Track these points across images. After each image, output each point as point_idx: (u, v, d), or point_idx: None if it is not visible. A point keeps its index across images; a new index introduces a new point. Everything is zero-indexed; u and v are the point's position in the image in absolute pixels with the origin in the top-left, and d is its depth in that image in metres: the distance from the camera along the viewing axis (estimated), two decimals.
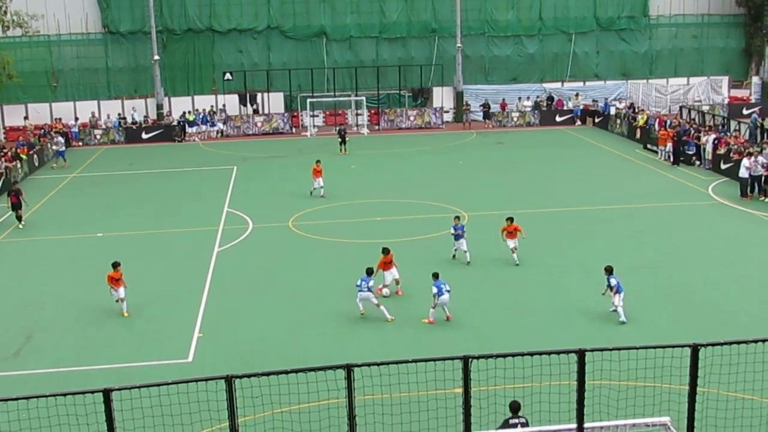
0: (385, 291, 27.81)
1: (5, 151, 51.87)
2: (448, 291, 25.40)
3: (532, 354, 12.37)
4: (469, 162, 51.90)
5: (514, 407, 16.55)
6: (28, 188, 46.61)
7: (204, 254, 33.50)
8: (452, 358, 12.55)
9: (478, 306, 26.92)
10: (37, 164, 53.60)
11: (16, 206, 39.25)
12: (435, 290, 25.25)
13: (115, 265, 27.10)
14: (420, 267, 30.45)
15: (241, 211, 40.45)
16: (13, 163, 49.50)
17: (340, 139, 56.04)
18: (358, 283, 25.94)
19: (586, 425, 12.60)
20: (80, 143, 63.67)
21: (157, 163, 55.06)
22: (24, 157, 51.49)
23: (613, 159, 51.76)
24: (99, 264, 32.76)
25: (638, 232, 35.15)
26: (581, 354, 12.24)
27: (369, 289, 25.74)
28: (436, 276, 25.66)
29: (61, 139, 56.09)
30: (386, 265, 27.85)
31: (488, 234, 35.00)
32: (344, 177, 47.25)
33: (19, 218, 39.18)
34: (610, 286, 25.50)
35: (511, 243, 30.79)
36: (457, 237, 31.16)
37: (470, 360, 12.26)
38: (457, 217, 32.19)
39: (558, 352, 12.37)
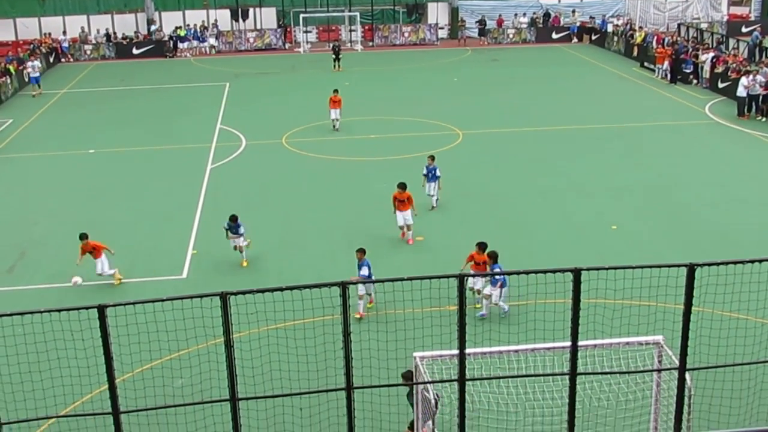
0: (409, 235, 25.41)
1: None
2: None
3: (527, 272, 12.31)
4: (464, 79, 51.44)
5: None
6: (18, 104, 46.26)
7: (197, 171, 33.31)
8: (447, 276, 12.50)
9: (472, 226, 26.88)
10: (27, 80, 52.92)
11: None
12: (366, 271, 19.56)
13: (82, 237, 23.37)
14: (414, 186, 30.35)
15: (234, 127, 40.14)
16: (3, 79, 48.87)
17: (334, 56, 55.39)
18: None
19: (580, 343, 12.62)
20: (71, 59, 62.83)
21: (148, 80, 54.46)
22: (14, 72, 50.79)
23: (609, 77, 51.32)
24: (91, 181, 32.67)
25: (634, 151, 35.00)
26: (576, 273, 12.20)
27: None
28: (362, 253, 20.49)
29: (36, 64, 51.60)
30: (400, 204, 25.23)
31: (482, 153, 34.90)
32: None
33: None
34: (494, 280, 19.05)
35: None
36: (430, 179, 28.05)
37: (465, 278, 12.21)
38: (431, 157, 28.66)
39: (553, 271, 12.32)
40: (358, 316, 19.61)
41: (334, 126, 38.86)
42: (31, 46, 59.75)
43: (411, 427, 14.87)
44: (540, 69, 54.52)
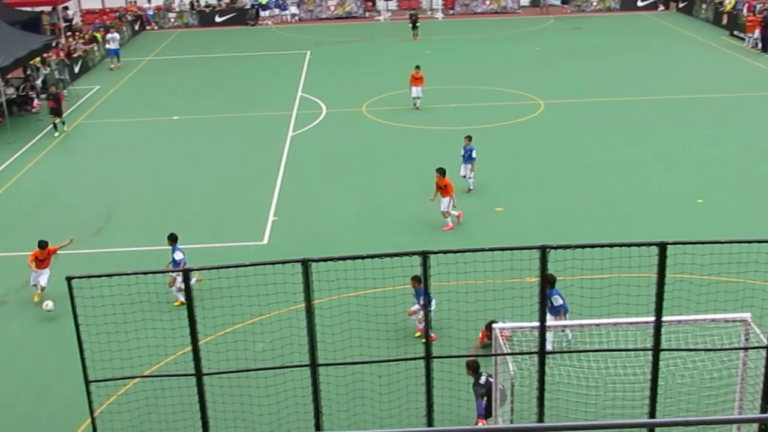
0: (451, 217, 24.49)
1: (83, 34, 52.21)
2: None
3: (611, 245, 12.12)
4: (546, 49, 50.68)
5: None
6: (105, 71, 47.16)
7: (278, 138, 33.55)
8: (529, 248, 12.38)
9: (553, 197, 26.59)
10: (121, 41, 53.77)
11: (55, 112, 35.37)
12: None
13: (42, 245, 21.11)
14: (495, 155, 30.17)
15: (315, 95, 40.28)
16: (90, 46, 49.78)
17: (411, 24, 55.07)
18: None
19: (664, 318, 12.42)
20: (155, 26, 63.69)
21: (230, 47, 54.92)
22: (100, 39, 51.68)
23: (696, 46, 50.01)
24: (175, 146, 33.20)
25: (722, 122, 34.10)
26: (662, 247, 11.97)
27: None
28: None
29: (116, 36, 50.33)
30: (441, 190, 24.35)
31: (564, 123, 34.44)
32: (418, 63, 46.53)
33: (56, 126, 35.37)
34: (553, 306, 16.96)
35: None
36: (466, 159, 26.96)
37: (548, 250, 12.08)
38: (468, 137, 27.38)
39: (638, 245, 12.10)
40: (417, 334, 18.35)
41: (414, 104, 36.83)
42: (117, 14, 60.70)
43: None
44: (624, 38, 53.41)
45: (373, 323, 15.37)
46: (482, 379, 14.41)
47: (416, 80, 36.57)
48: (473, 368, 14.61)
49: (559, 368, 15.27)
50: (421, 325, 18.80)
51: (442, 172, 24.24)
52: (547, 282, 15.53)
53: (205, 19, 64.03)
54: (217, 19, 64.02)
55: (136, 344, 14.33)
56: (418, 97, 36.75)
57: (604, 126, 33.97)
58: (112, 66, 48.71)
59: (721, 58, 46.71)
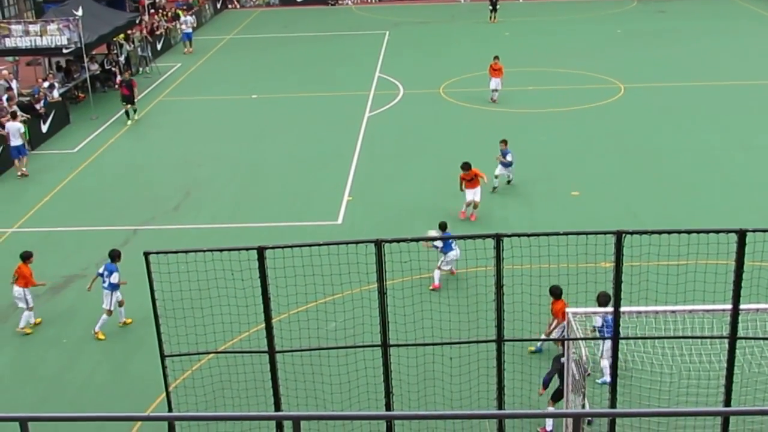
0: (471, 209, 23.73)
1: (166, 11, 53.00)
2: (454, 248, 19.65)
3: (689, 232, 11.93)
4: (628, 31, 49.80)
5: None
6: (194, 43, 47.76)
7: (355, 119, 33.67)
8: (605, 233, 12.25)
9: (631, 181, 26.21)
10: (195, 25, 54.51)
11: (128, 99, 34.57)
12: (440, 244, 19.43)
13: (26, 257, 19.28)
14: (573, 139, 29.90)
15: (393, 76, 40.28)
16: (173, 23, 50.52)
17: (491, 6, 54.61)
18: (437, 244, 19.54)
19: (741, 306, 12.20)
20: (237, 5, 64.33)
21: (310, 27, 55.21)
22: (183, 17, 52.38)
23: None
24: (253, 125, 33.57)
25: None
26: (741, 234, 11.75)
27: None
28: (443, 227, 20.20)
29: (189, 19, 49.65)
30: (468, 183, 23.62)
31: (645, 107, 33.87)
32: (497, 45, 46.19)
33: (128, 113, 34.70)
34: (595, 327, 16.15)
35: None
36: (504, 164, 25.41)
37: (623, 235, 11.94)
38: (504, 141, 25.63)
39: (716, 231, 11.90)
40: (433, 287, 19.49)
41: (492, 98, 34.95)
42: None
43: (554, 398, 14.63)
44: (709, 21, 52.20)
45: (445, 305, 15.40)
46: (563, 358, 14.32)
47: (495, 71, 34.86)
48: (561, 342, 14.52)
49: (633, 354, 15.12)
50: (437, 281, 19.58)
51: (467, 167, 23.44)
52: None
53: None
54: None
55: (210, 320, 14.60)
56: (497, 90, 34.92)
57: (684, 111, 33.31)
58: (186, 51, 48.13)
59: None
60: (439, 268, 19.58)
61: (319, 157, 29.49)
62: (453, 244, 19.35)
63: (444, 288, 16.19)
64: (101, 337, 18.52)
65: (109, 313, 18.63)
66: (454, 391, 15.02)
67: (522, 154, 26.58)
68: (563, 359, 14.22)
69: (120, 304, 18.82)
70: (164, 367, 12.79)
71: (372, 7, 62.38)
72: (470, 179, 23.52)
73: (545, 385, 14.58)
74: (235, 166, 28.83)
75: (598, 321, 15.98)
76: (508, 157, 25.24)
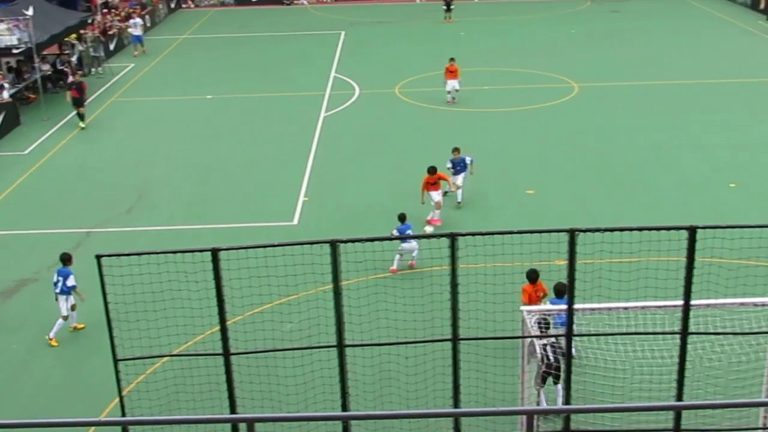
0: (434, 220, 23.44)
1: (119, 11, 52.49)
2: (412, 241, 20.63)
3: (641, 229, 12.08)
4: (582, 31, 50.23)
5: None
6: (143, 46, 47.26)
7: (310, 119, 33.60)
8: (558, 231, 12.36)
9: (585, 179, 26.46)
10: (149, 25, 54.06)
11: (78, 102, 33.74)
12: (395, 234, 20.53)
13: None
14: (528, 138, 30.12)
15: (348, 76, 40.26)
16: (126, 23, 50.01)
17: (445, 6, 54.77)
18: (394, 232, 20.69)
19: (692, 302, 12.35)
20: (191, 4, 63.89)
21: (265, 27, 54.99)
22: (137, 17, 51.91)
23: (734, 31, 49.31)
24: (209, 126, 33.38)
25: (756, 107, 33.67)
26: (692, 231, 11.90)
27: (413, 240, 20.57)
28: (402, 219, 21.01)
29: (138, 21, 48.16)
30: (432, 186, 23.55)
31: (598, 106, 34.19)
32: (453, 45, 46.36)
33: (81, 116, 33.70)
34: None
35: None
36: (458, 171, 24.79)
37: (576, 233, 12.04)
38: (457, 149, 24.99)
39: (668, 228, 12.04)
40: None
41: (450, 99, 34.73)
42: None
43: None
44: (661, 21, 52.80)
45: (400, 304, 15.39)
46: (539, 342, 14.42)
47: (451, 73, 34.68)
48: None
49: (586, 351, 15.25)
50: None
51: (433, 170, 23.41)
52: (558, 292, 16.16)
53: None
54: None
55: (164, 323, 14.48)
56: (456, 90, 34.70)
57: (637, 110, 33.68)
58: (136, 53, 46.88)
59: (758, 42, 46.01)
60: (399, 254, 20.61)
61: (275, 157, 29.39)
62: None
63: (399, 287, 16.22)
64: (54, 344, 18.28)
65: (65, 318, 18.41)
66: (410, 390, 15.05)
67: (477, 154, 26.67)
68: (538, 343, 14.31)
69: (72, 308, 18.60)
70: (117, 372, 12.67)
71: (328, 7, 62.28)
72: (434, 182, 23.43)
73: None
74: (189, 167, 28.64)
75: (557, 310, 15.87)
76: (466, 161, 24.76)
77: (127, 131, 33.40)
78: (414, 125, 32.57)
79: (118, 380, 12.73)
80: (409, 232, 20.60)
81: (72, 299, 18.44)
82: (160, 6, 57.58)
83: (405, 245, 20.51)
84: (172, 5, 61.32)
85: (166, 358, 15.70)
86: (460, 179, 24.60)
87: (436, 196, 23.46)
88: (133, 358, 13.10)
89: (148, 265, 13.26)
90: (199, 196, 26.17)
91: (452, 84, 34.72)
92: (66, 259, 18.67)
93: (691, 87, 36.69)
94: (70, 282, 18.29)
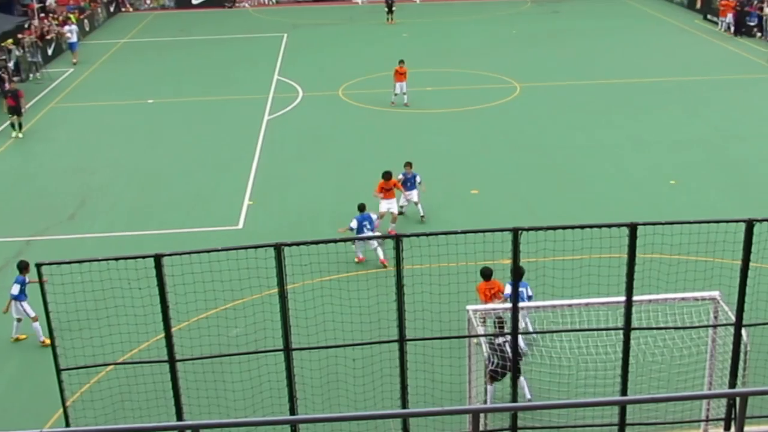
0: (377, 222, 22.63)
1: (56, 15, 51.73)
2: (371, 231, 21.49)
3: (582, 227, 12.20)
4: (523, 32, 50.70)
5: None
6: (80, 53, 46.61)
7: (254, 122, 33.44)
8: (502, 230, 12.44)
9: (528, 178, 26.71)
10: (88, 29, 53.38)
11: (14, 110, 32.71)
12: (354, 224, 21.31)
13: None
14: (471, 138, 30.31)
15: (291, 79, 40.15)
16: (65, 28, 49.31)
17: (387, 8, 54.91)
18: (353, 226, 21.41)
19: (635, 298, 12.52)
20: (130, 8, 63.22)
21: (206, 30, 54.59)
22: (75, 20, 51.21)
23: (671, 30, 50.17)
24: (150, 130, 33.03)
25: (694, 105, 34.30)
26: (633, 228, 12.07)
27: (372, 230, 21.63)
28: (361, 208, 21.79)
29: (74, 28, 46.84)
30: (385, 192, 23.17)
31: (540, 106, 34.53)
32: (395, 46, 46.50)
33: (16, 126, 32.83)
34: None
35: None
36: (409, 187, 24.04)
37: (520, 232, 12.13)
38: (409, 164, 24.12)
39: (609, 226, 12.19)
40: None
41: (402, 101, 34.67)
42: None
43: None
44: (601, 21, 53.51)
45: (347, 307, 15.37)
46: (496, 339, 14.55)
47: (400, 75, 34.52)
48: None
49: (532, 348, 15.40)
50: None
51: (388, 176, 23.10)
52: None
53: (182, 1, 63.57)
54: (194, 2, 63.60)
55: (108, 331, 14.31)
56: (404, 93, 34.60)
57: (578, 109, 34.09)
58: (75, 60, 45.44)
59: (695, 41, 46.89)
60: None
61: (219, 161, 29.20)
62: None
63: (346, 290, 16.18)
64: (47, 342, 17.48)
65: (35, 318, 17.92)
66: (358, 392, 15.06)
67: (422, 155, 26.81)
68: (497, 341, 14.40)
69: (18, 320, 18.26)
70: (61, 382, 12.46)
71: (269, 9, 62.06)
72: (389, 189, 23.06)
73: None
74: (131, 173, 28.33)
75: (508, 288, 16.47)
76: (417, 179, 23.98)
77: (66, 137, 32.92)
78: (358, 127, 32.60)
79: (62, 390, 12.52)
80: (366, 223, 21.28)
81: (29, 309, 18.00)
82: (99, 10, 56.87)
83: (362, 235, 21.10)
84: (111, 9, 60.62)
85: (110, 367, 15.51)
86: (415, 195, 23.91)
87: (384, 204, 23.01)
88: (77, 367, 12.90)
89: (90, 273, 13.08)
90: (142, 202, 25.90)
91: (400, 86, 34.61)
92: (22, 267, 18.26)
93: (631, 86, 37.23)
94: (14, 290, 17.93)
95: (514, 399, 13.20)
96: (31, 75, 42.09)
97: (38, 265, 11.67)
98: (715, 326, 13.70)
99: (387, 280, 18.04)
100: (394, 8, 54.94)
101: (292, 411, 12.88)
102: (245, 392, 14.92)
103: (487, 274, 17.05)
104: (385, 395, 14.72)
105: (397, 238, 12.27)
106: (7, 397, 16.71)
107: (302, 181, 27.10)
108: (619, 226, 12.14)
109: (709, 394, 14.26)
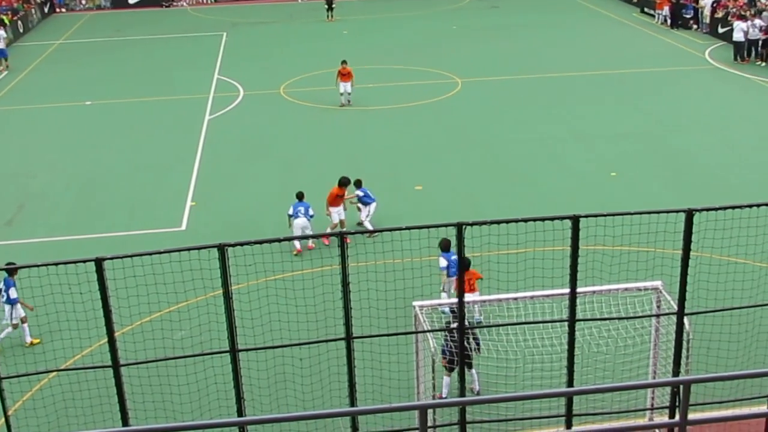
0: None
1: None
2: (311, 216, 22.00)
3: (525, 220, 12.28)
4: (463, 27, 50.92)
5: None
6: (13, 56, 45.75)
7: (195, 122, 33.13)
8: (446, 225, 12.49)
9: (471, 173, 26.83)
10: (22, 30, 52.45)
11: None
12: (291, 211, 22.17)
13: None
14: (414, 134, 30.37)
15: (232, 78, 39.84)
16: None
17: (326, 6, 54.80)
18: (291, 213, 22.15)
19: (579, 290, 12.64)
20: (64, 9, 62.22)
21: (144, 30, 53.92)
22: (8, 22, 50.29)
23: (609, 23, 50.79)
24: (89, 132, 32.54)
25: (633, 97, 34.75)
26: (575, 220, 12.17)
27: (309, 217, 22.04)
28: (300, 197, 22.37)
29: (2, 34, 44.47)
30: (338, 200, 22.70)
31: (481, 101, 34.71)
32: (336, 43, 46.44)
33: None
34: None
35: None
36: (366, 202, 23.20)
37: (464, 226, 12.17)
38: (359, 181, 23.38)
39: (552, 218, 12.28)
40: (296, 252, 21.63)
41: (345, 101, 34.24)
42: None
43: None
44: (540, 15, 53.95)
45: (292, 306, 15.31)
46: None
47: (344, 76, 34.04)
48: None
49: (479, 342, 15.46)
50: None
51: (346, 182, 22.73)
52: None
53: (118, 1, 62.73)
54: (131, 1, 62.77)
55: (50, 338, 14.07)
56: (348, 93, 34.17)
57: (519, 103, 34.34)
58: (3, 69, 43.61)
59: (633, 34, 47.51)
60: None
61: (160, 162, 28.86)
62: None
63: (291, 289, 16.12)
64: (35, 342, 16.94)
65: (14, 326, 17.41)
66: (306, 391, 15.00)
67: (364, 152, 26.81)
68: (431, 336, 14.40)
69: (22, 320, 17.61)
70: (1, 390, 12.21)
71: (208, 8, 61.53)
72: (342, 195, 22.62)
73: (444, 354, 14.84)
74: (71, 176, 27.88)
75: (443, 262, 17.88)
76: (369, 197, 23.16)
77: (2, 142, 32.29)
78: (300, 125, 32.46)
79: (3, 399, 12.27)
80: (301, 209, 21.89)
81: (20, 310, 17.44)
82: (33, 11, 55.88)
83: (296, 221, 21.78)
84: (46, 10, 59.60)
85: (53, 374, 15.25)
86: (364, 211, 23.12)
87: (337, 215, 22.46)
88: (18, 375, 12.65)
89: (30, 279, 12.85)
90: (83, 206, 25.50)
91: (345, 86, 34.21)
92: (13, 271, 17.44)
93: (570, 79, 37.58)
94: (12, 294, 17.30)
95: (462, 393, 13.25)
96: None
97: None
98: (658, 315, 13.90)
99: (332, 279, 17.94)
100: (334, 5, 54.83)
101: (240, 412, 12.79)
102: (192, 395, 14.78)
103: (466, 264, 16.82)
104: (333, 393, 14.71)
105: (342, 236, 12.24)
106: None
107: (245, 181, 26.91)
108: (561, 218, 12.24)
109: (653, 383, 14.45)
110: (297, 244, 21.74)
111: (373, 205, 23.14)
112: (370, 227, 22.28)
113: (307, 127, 32.24)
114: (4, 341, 17.66)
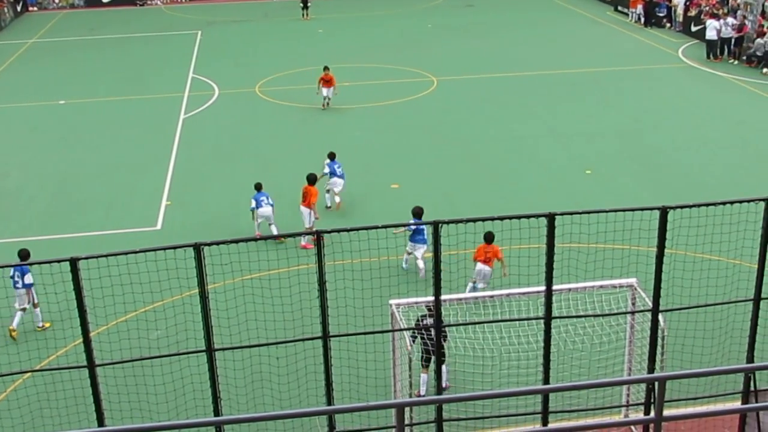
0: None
1: None
2: (272, 204, 22.37)
3: (501, 218, 12.32)
4: (438, 26, 50.99)
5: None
6: None
7: (170, 121, 32.97)
8: (423, 223, 12.52)
9: (448, 172, 26.88)
10: None
11: None
12: (254, 204, 22.52)
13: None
14: (390, 132, 30.38)
15: (207, 77, 39.69)
16: None
17: (302, 4, 54.72)
18: (253, 206, 22.43)
19: (554, 287, 12.69)
20: (36, 8, 61.73)
21: (118, 29, 53.60)
22: None
23: (583, 21, 51.04)
24: (63, 131, 32.32)
25: (607, 95, 34.95)
26: (551, 218, 12.23)
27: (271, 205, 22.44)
28: (258, 187, 22.72)
29: None
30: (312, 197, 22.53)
31: (457, 99, 34.77)
32: (311, 42, 46.38)
33: None
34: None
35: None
36: (333, 174, 24.16)
37: (440, 225, 12.20)
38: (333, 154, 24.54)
39: (527, 216, 12.33)
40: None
41: (326, 104, 33.73)
42: None
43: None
44: (514, 14, 54.13)
45: (269, 305, 15.27)
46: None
47: (326, 82, 33.63)
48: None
49: (455, 340, 15.49)
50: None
51: (314, 179, 22.65)
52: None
53: None
54: (104, 0, 62.37)
55: (24, 338, 13.97)
56: (329, 97, 33.71)
57: (495, 101, 34.44)
58: None
59: (607, 32, 47.76)
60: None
61: (135, 162, 28.71)
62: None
63: (267, 288, 16.08)
64: (14, 335, 16.77)
65: (23, 310, 17.12)
66: (282, 390, 14.97)
67: (341, 150, 26.69)
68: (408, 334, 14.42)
69: (35, 305, 17.44)
70: None
71: (182, 7, 61.24)
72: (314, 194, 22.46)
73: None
74: (44, 176, 27.68)
75: (411, 228, 19.09)
76: (338, 170, 23.99)
77: None
78: (276, 124, 32.40)
79: None
80: (264, 198, 22.32)
81: (35, 295, 17.10)
82: (5, 9, 55.41)
83: (260, 210, 22.23)
84: (18, 8, 59.12)
85: (27, 374, 15.14)
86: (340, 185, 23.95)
87: (307, 216, 22.20)
88: None
89: (3, 279, 12.76)
90: (57, 205, 25.34)
91: (327, 91, 33.79)
92: (24, 255, 17.25)
93: (545, 77, 37.73)
94: (28, 279, 16.85)
95: (439, 391, 13.28)
96: None
97: None
98: (633, 313, 13.99)
99: (309, 277, 17.95)
100: (309, 4, 54.77)
101: (217, 412, 12.75)
102: (168, 395, 14.72)
103: (489, 238, 17.45)
104: (310, 392, 14.69)
105: (318, 235, 12.23)
106: None
107: (220, 180, 26.83)
108: (537, 216, 12.29)
109: (628, 380, 14.56)
110: (257, 227, 22.27)
111: (342, 182, 23.99)
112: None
113: (282, 125, 32.19)
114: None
